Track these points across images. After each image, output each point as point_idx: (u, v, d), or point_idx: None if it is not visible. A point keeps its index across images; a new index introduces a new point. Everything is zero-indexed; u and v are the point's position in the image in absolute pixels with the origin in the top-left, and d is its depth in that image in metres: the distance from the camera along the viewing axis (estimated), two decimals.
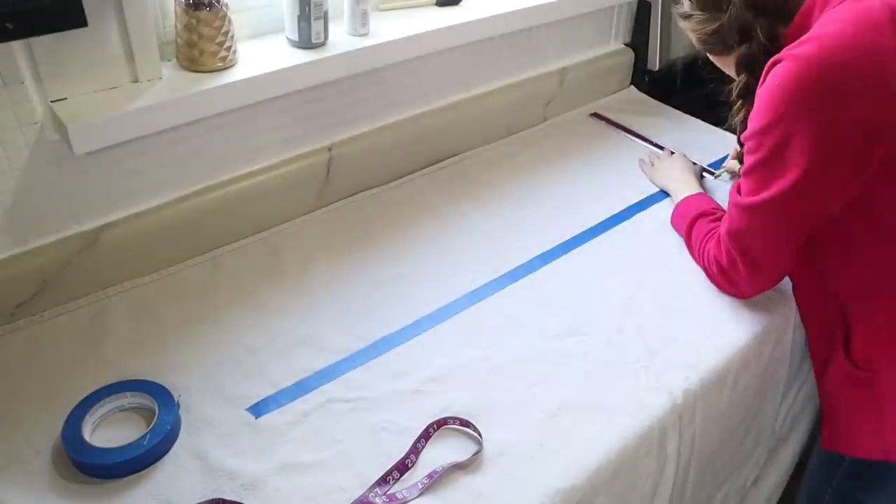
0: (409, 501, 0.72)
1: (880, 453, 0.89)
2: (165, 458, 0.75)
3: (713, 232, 0.99)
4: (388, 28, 1.09)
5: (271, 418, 0.80)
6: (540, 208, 1.17)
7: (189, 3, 0.89)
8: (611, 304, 0.98)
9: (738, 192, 0.88)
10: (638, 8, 1.51)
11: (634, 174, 1.28)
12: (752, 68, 0.85)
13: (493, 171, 1.27)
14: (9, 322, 0.91)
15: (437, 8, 1.18)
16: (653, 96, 1.55)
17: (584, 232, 1.12)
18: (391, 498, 0.72)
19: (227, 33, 0.92)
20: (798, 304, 0.99)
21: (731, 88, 0.90)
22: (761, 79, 0.81)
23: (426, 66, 1.20)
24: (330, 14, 1.01)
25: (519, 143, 1.37)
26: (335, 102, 1.12)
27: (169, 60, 0.95)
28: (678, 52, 1.55)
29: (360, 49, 1.03)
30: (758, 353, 0.95)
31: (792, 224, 0.85)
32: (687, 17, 0.91)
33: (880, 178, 0.79)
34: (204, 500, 0.71)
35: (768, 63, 0.80)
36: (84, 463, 0.73)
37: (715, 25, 0.87)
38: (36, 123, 0.84)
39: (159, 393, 0.80)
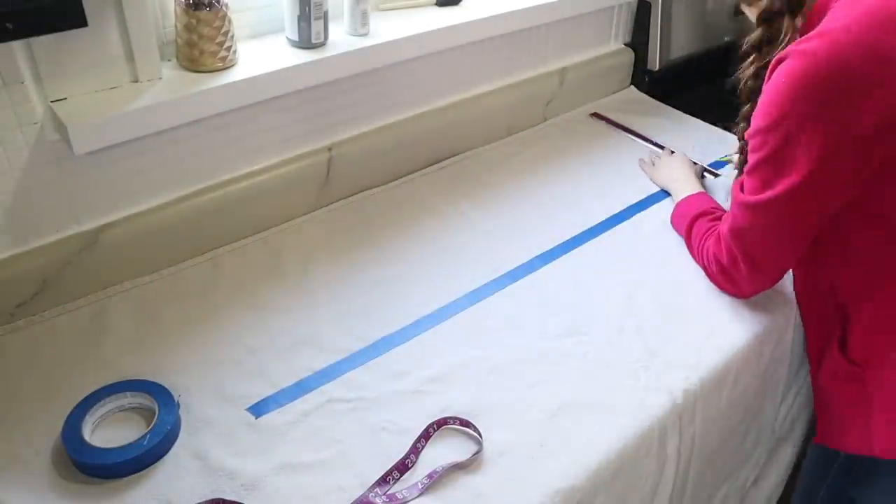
0: (409, 501, 0.72)
1: (866, 449, 0.90)
2: (165, 458, 0.75)
3: (713, 230, 0.98)
4: (388, 28, 1.09)
5: (271, 418, 0.80)
6: (540, 208, 1.17)
7: (189, 3, 0.89)
8: (611, 304, 0.98)
9: (741, 189, 0.87)
10: (638, 8, 1.51)
11: (634, 174, 1.28)
12: (771, 24, 0.84)
13: (493, 171, 1.27)
14: (9, 322, 0.91)
15: (437, 8, 1.18)
16: (653, 96, 1.55)
17: (584, 232, 1.12)
18: (391, 498, 0.72)
19: (227, 33, 0.92)
20: (798, 300, 1.00)
21: (746, 41, 0.88)
22: (767, 75, 0.81)
23: (426, 66, 1.20)
24: (330, 14, 1.01)
25: (519, 143, 1.37)
26: (335, 102, 1.12)
27: (169, 60, 0.95)
28: (678, 52, 1.55)
29: (360, 49, 1.03)
30: (758, 353, 0.95)
31: (795, 223, 0.85)
32: None
33: (880, 177, 0.79)
34: (204, 500, 0.71)
35: (774, 60, 0.79)
36: (84, 463, 0.73)
37: None
38: (36, 123, 0.84)
39: (159, 393, 0.80)
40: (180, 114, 0.91)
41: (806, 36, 0.77)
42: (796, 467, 1.20)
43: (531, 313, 0.96)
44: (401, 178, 1.24)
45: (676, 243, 1.09)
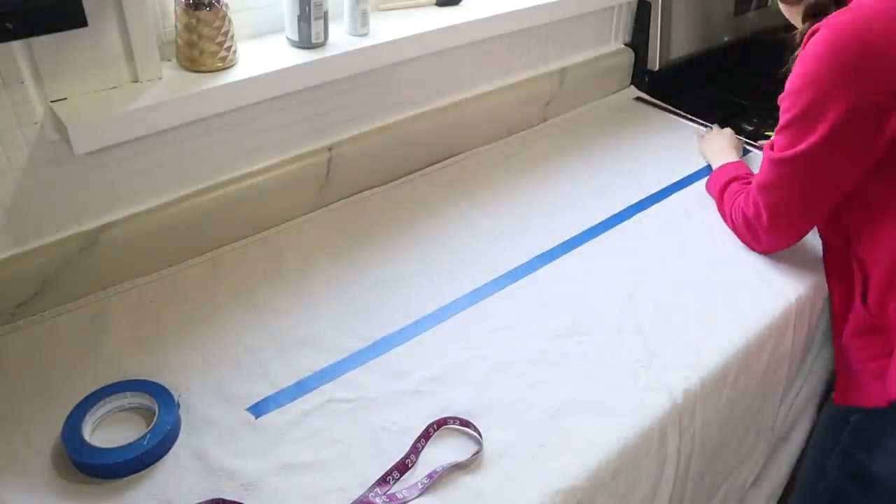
0: (409, 501, 0.72)
1: (884, 399, 0.91)
2: (165, 458, 0.75)
3: (743, 191, 1.06)
4: (388, 28, 1.09)
5: (271, 418, 0.80)
6: (540, 208, 1.17)
7: (189, 3, 0.89)
8: (611, 304, 0.98)
9: (772, 148, 0.95)
10: (638, 8, 1.51)
11: (634, 174, 1.28)
12: (818, 18, 0.90)
13: (493, 171, 1.27)
14: (9, 322, 0.91)
15: (437, 8, 1.18)
16: (653, 96, 1.55)
17: (584, 232, 1.12)
18: (391, 498, 0.72)
19: (227, 33, 0.92)
20: (825, 268, 1.05)
21: (796, 34, 0.95)
22: (802, 45, 0.89)
23: (426, 66, 1.20)
24: (330, 14, 1.01)
25: (519, 143, 1.37)
26: (335, 102, 1.12)
27: (169, 60, 0.95)
28: (678, 52, 1.55)
29: (360, 49, 1.03)
30: (758, 353, 0.96)
31: (817, 180, 0.92)
32: None
33: None
34: (204, 500, 0.71)
35: (808, 31, 0.87)
36: (84, 463, 0.73)
37: None
38: (36, 123, 0.84)
39: (159, 393, 0.80)
40: (180, 114, 0.91)
41: (840, 10, 0.86)
42: (796, 468, 1.20)
43: (531, 313, 0.96)
44: (400, 178, 1.24)
45: (676, 243, 1.09)
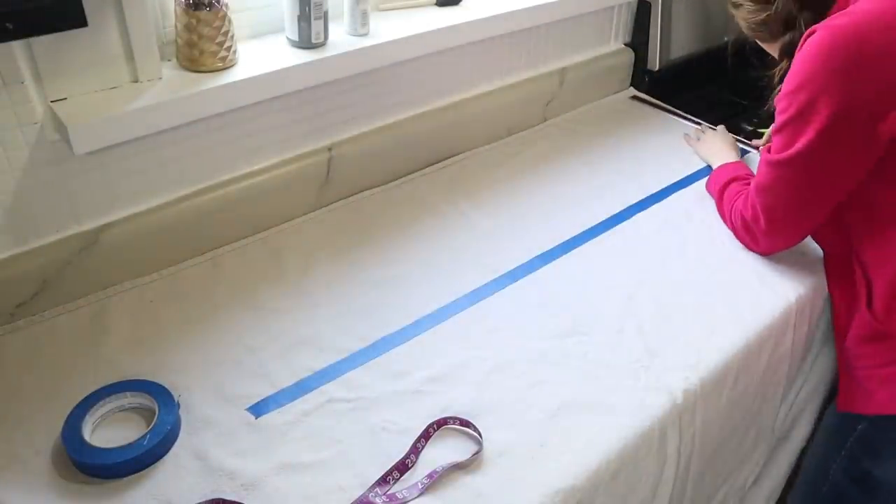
0: (409, 501, 0.72)
1: (892, 407, 0.91)
2: (165, 458, 0.75)
3: (743, 192, 1.06)
4: (388, 28, 1.09)
5: (271, 418, 0.80)
6: (540, 208, 1.17)
7: (189, 3, 0.89)
8: (611, 304, 0.98)
9: (769, 151, 0.95)
10: (638, 8, 1.51)
11: (634, 174, 1.28)
12: (793, 55, 0.91)
13: (493, 171, 1.27)
14: (9, 322, 0.91)
15: (437, 8, 1.18)
16: (653, 96, 1.55)
17: (584, 232, 1.12)
18: (391, 498, 0.72)
19: (227, 33, 0.92)
20: (826, 270, 1.04)
21: (775, 73, 0.96)
22: (798, 47, 0.88)
23: (426, 66, 1.20)
24: (330, 14, 1.01)
25: (519, 143, 1.37)
26: (335, 102, 1.12)
27: (169, 60, 0.95)
28: (678, 52, 1.55)
29: (360, 49, 1.03)
30: (758, 353, 0.96)
31: (816, 182, 0.92)
32: (737, 6, 0.98)
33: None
34: (204, 500, 0.71)
35: (805, 34, 0.87)
36: (84, 463, 0.73)
37: (763, 16, 0.94)
38: (36, 123, 0.84)
39: (159, 393, 0.80)
40: (180, 114, 0.91)
41: (834, 14, 0.87)
42: (796, 467, 1.20)
43: (531, 313, 0.96)
44: (401, 178, 1.24)
45: (676, 243, 1.09)
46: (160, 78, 0.91)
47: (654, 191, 1.23)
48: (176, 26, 0.91)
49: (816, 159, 0.88)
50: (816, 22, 0.88)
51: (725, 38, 1.62)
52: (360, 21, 1.05)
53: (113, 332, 0.90)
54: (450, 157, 1.30)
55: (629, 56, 1.55)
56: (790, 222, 0.99)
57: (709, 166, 1.26)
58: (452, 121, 1.27)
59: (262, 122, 1.05)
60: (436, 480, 0.73)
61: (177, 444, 0.77)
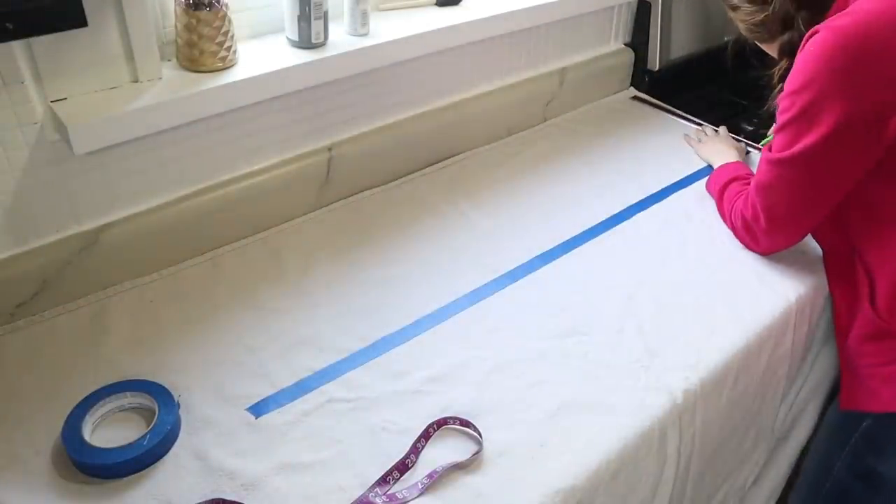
0: (409, 501, 0.72)
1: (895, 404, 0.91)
2: (165, 458, 0.75)
3: (743, 192, 1.06)
4: (388, 28, 1.09)
5: (271, 418, 0.80)
6: (540, 208, 1.17)
7: (189, 3, 0.89)
8: (611, 304, 0.98)
9: (769, 149, 0.94)
10: (638, 8, 1.51)
11: (634, 174, 1.28)
12: (794, 54, 0.91)
13: (492, 171, 1.27)
14: (9, 322, 0.91)
15: (437, 8, 1.18)
16: (653, 96, 1.55)
17: (584, 232, 1.12)
18: (391, 498, 0.72)
19: (227, 33, 0.92)
20: (826, 269, 1.04)
21: (774, 72, 0.96)
22: (800, 47, 0.88)
23: (426, 66, 1.20)
24: (330, 14, 1.01)
25: (519, 143, 1.37)
26: (335, 102, 1.12)
27: (169, 60, 0.95)
28: (678, 52, 1.55)
29: (360, 49, 1.03)
30: (758, 353, 0.96)
31: (815, 181, 0.91)
32: (735, 7, 0.98)
33: None
34: (204, 500, 0.71)
35: (807, 33, 0.87)
36: (84, 463, 0.73)
37: (761, 17, 0.94)
38: (36, 123, 0.84)
39: (159, 393, 0.80)
40: (180, 114, 0.91)
41: (837, 14, 0.86)
42: (797, 467, 1.20)
43: (531, 313, 0.96)
44: (400, 178, 1.24)
45: (676, 243, 1.09)
46: (160, 78, 0.91)
47: (654, 191, 1.23)
48: (176, 26, 0.92)
49: (819, 158, 0.88)
50: (814, 21, 0.88)
51: (725, 38, 1.62)
52: (360, 21, 1.05)
53: (113, 332, 0.90)
54: (450, 157, 1.30)
55: (629, 56, 1.55)
56: (790, 221, 0.99)
57: (709, 166, 1.27)
58: (452, 121, 1.27)
59: (262, 122, 1.05)
60: (436, 480, 0.73)
61: (177, 444, 0.77)
